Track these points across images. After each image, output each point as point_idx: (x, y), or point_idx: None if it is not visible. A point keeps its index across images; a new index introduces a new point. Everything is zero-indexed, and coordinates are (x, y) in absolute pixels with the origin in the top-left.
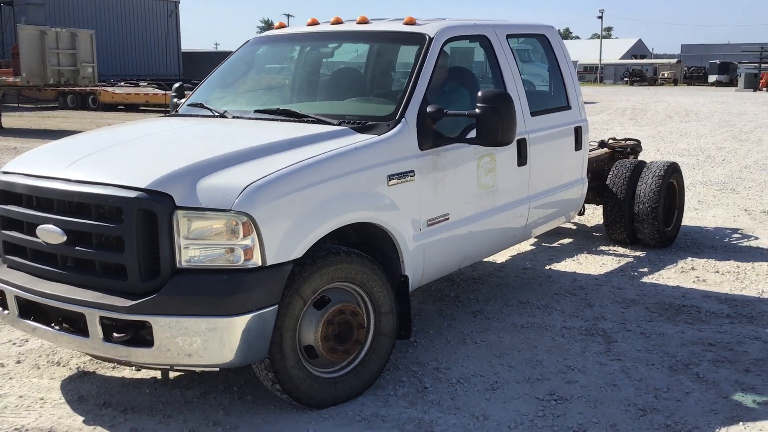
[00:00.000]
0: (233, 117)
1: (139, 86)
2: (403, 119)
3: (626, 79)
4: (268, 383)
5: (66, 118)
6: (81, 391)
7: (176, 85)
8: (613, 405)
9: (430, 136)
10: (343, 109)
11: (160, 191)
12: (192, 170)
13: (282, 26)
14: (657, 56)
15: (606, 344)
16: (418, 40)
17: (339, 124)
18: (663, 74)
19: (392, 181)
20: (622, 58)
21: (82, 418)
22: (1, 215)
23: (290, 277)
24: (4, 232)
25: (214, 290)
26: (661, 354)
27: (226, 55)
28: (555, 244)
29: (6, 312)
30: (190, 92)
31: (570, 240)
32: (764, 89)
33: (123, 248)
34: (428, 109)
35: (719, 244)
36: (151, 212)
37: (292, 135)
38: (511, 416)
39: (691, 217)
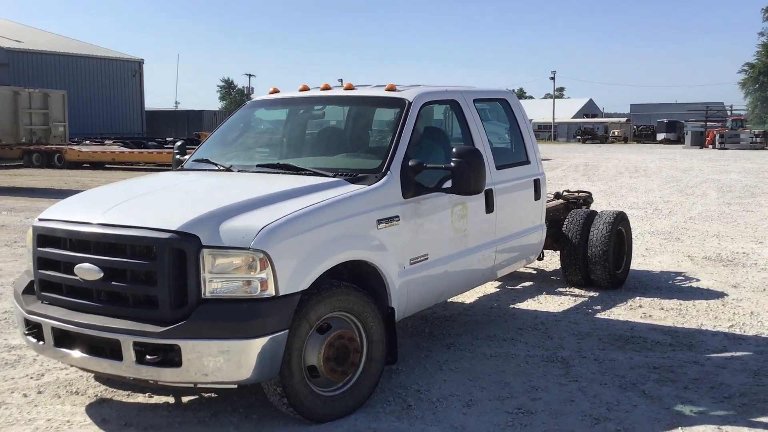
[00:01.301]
0: (238, 171)
1: (104, 144)
2: (389, 172)
3: (578, 137)
4: (276, 398)
5: (33, 176)
6: (103, 414)
7: (178, 143)
8: (572, 416)
9: (412, 186)
10: (335, 163)
11: (189, 233)
12: (215, 215)
13: (275, 91)
14: (607, 115)
15: (564, 369)
16: (399, 104)
17: (334, 176)
18: (613, 132)
19: (381, 225)
20: (574, 116)
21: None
22: (39, 257)
23: (298, 305)
24: (41, 271)
25: (235, 317)
26: (612, 376)
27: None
28: (518, 287)
29: (41, 343)
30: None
31: (531, 283)
32: (710, 146)
33: (155, 282)
34: (410, 163)
35: (664, 285)
36: (181, 251)
37: (295, 185)
38: (485, 426)
39: (639, 263)
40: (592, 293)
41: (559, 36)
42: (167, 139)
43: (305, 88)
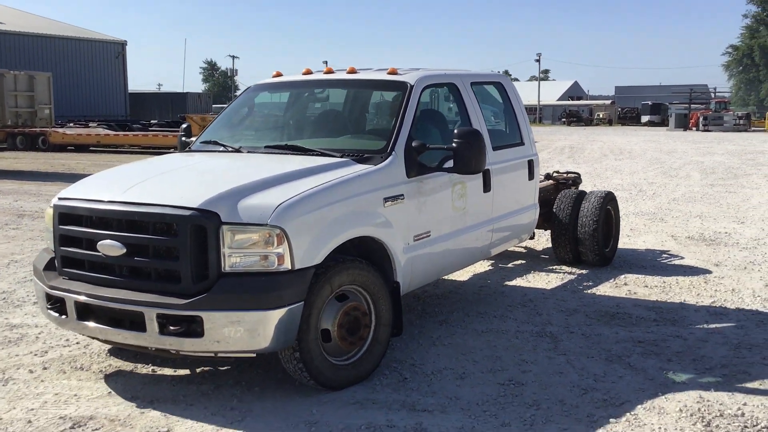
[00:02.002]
0: (248, 152)
1: (89, 127)
2: (393, 152)
3: (563, 119)
4: (292, 363)
5: (17, 159)
6: (109, 388)
7: (184, 125)
8: (561, 387)
9: (415, 166)
10: (340, 144)
11: (209, 210)
12: (233, 193)
13: (278, 75)
14: (592, 97)
15: (553, 343)
16: (401, 87)
17: (342, 156)
18: (598, 115)
19: (387, 203)
20: (560, 99)
21: (116, 408)
22: (60, 235)
23: (313, 278)
24: (63, 248)
25: (254, 289)
26: (599, 349)
27: (171, 96)
28: (509, 265)
29: (64, 317)
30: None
31: (522, 261)
32: (694, 129)
33: (177, 257)
34: (413, 144)
35: (649, 264)
36: (202, 227)
37: (306, 165)
38: (478, 397)
39: (624, 243)
40: (581, 271)
41: (545, 18)
42: (151, 121)
43: (308, 72)
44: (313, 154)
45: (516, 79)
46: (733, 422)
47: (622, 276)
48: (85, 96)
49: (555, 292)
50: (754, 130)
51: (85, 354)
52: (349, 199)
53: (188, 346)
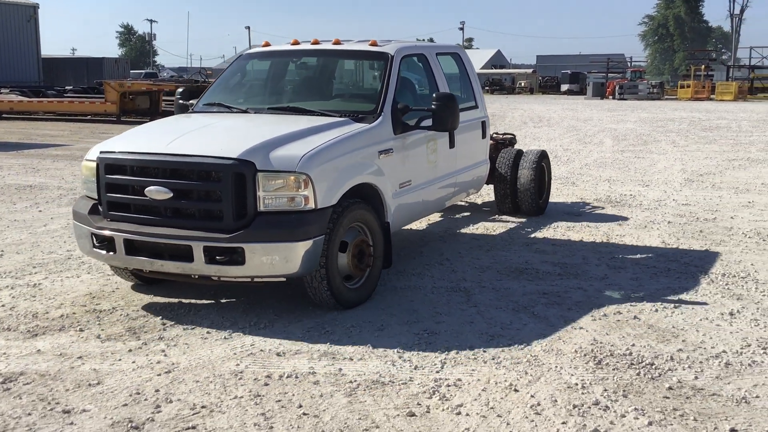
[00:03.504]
0: (254, 112)
1: (1, 93)
2: (382, 113)
3: (487, 87)
4: (318, 287)
5: None
6: (37, 346)
7: (180, 89)
8: (471, 335)
9: (400, 124)
10: (333, 106)
11: (247, 159)
12: (263, 146)
13: (267, 44)
14: (515, 66)
15: (466, 297)
16: (384, 57)
17: (341, 116)
18: (520, 83)
19: (381, 156)
20: (483, 67)
21: (46, 364)
22: (107, 183)
23: (331, 216)
24: (109, 195)
25: (286, 225)
26: (507, 301)
27: (87, 61)
28: (457, 216)
29: (112, 253)
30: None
31: (467, 213)
32: (610, 97)
33: (220, 199)
34: (399, 106)
35: (561, 221)
36: (241, 174)
37: (315, 123)
38: (396, 345)
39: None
40: (520, 220)
41: None
42: (66, 87)
43: (296, 42)
44: (315, 115)
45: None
46: (622, 360)
47: (534, 234)
48: None
49: (470, 251)
50: (667, 99)
51: (11, 315)
52: (354, 151)
53: (231, 272)
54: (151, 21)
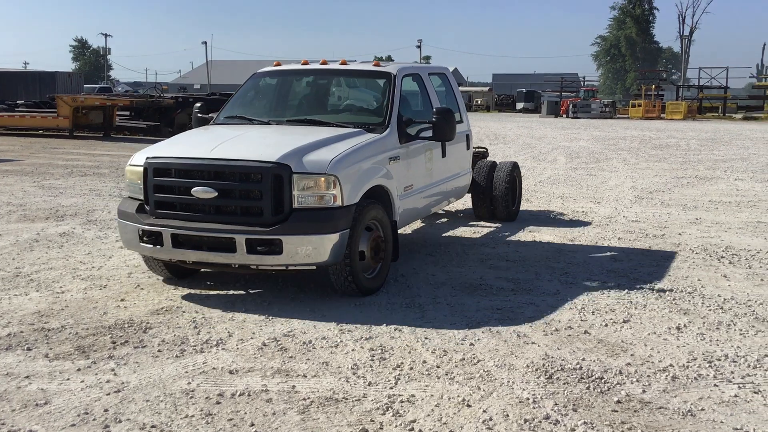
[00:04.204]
0: (276, 124)
1: None
2: (390, 125)
3: None
4: (342, 276)
5: None
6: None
7: (198, 104)
8: (425, 351)
9: (404, 135)
10: (344, 119)
11: (284, 163)
12: (296, 151)
13: (278, 64)
14: (471, 84)
15: (421, 312)
16: (387, 76)
17: (355, 127)
18: (477, 101)
19: (391, 162)
20: None
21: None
22: (155, 184)
23: (354, 213)
24: (157, 195)
25: (318, 219)
26: (462, 317)
27: (39, 75)
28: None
29: (159, 247)
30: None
31: (445, 219)
32: (564, 115)
33: (261, 197)
34: (403, 118)
35: (513, 239)
36: (279, 175)
37: (335, 133)
38: (350, 361)
39: (493, 222)
40: (493, 226)
41: (426, 5)
42: (18, 101)
43: (306, 63)
44: (332, 126)
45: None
46: (572, 374)
47: (489, 249)
48: None
49: (424, 267)
50: (618, 117)
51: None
52: (371, 157)
53: (270, 261)
54: (106, 35)
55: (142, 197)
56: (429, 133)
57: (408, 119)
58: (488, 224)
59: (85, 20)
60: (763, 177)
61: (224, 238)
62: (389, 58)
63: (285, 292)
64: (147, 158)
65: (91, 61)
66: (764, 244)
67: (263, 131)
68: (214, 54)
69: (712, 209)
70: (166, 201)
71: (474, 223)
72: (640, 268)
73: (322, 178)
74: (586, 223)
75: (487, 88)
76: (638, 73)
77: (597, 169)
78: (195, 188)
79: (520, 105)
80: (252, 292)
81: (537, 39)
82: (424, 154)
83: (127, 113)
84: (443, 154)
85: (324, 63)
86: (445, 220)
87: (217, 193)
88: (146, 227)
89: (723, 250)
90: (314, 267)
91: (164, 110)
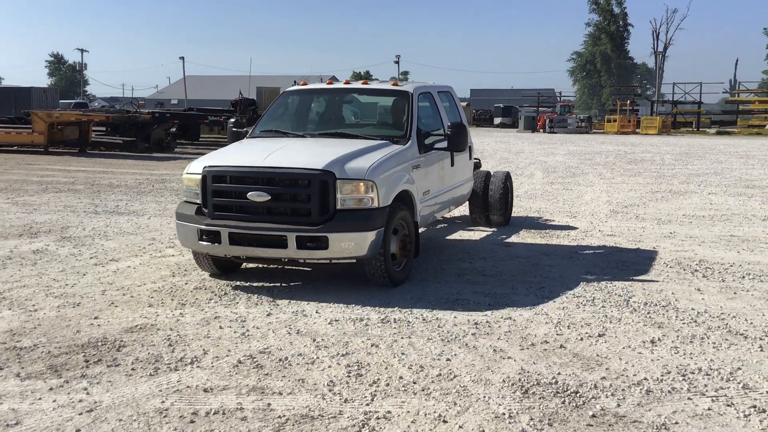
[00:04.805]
0: (310, 137)
1: None
2: (411, 137)
3: None
4: (377, 269)
5: None
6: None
7: (233, 120)
8: (401, 366)
9: (423, 146)
10: (369, 132)
11: (329, 170)
12: (338, 160)
13: (305, 83)
14: None
15: (398, 328)
16: (406, 94)
17: (382, 139)
18: None
19: (414, 169)
20: None
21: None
22: (213, 189)
23: (388, 214)
24: (215, 199)
25: (358, 219)
26: (439, 332)
27: (14, 90)
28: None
29: (217, 244)
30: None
31: (444, 225)
32: (541, 130)
33: (309, 200)
34: (422, 131)
35: (489, 254)
36: (325, 181)
37: (366, 144)
38: (326, 378)
39: (470, 235)
40: (492, 229)
41: (403, 21)
42: None
43: (331, 82)
44: (361, 138)
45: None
46: (548, 389)
47: (466, 264)
48: None
49: (402, 284)
50: (594, 132)
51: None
52: (399, 165)
53: (317, 255)
54: (82, 50)
55: (199, 201)
56: (441, 144)
57: (425, 132)
58: (485, 229)
59: (61, 35)
60: (736, 191)
61: (277, 235)
62: (367, 74)
63: (260, 309)
64: (205, 167)
65: (68, 76)
66: (737, 258)
67: (304, 143)
68: (192, 69)
69: (686, 223)
70: (223, 204)
71: (469, 227)
72: (615, 281)
73: (362, 183)
74: (563, 237)
75: (465, 104)
76: (613, 88)
77: (573, 184)
78: (250, 192)
79: (497, 120)
80: (226, 309)
81: (514, 55)
82: (437, 162)
83: (104, 129)
84: (452, 164)
85: (347, 83)
86: (444, 225)
87: (270, 197)
88: (205, 227)
89: (697, 264)
90: (354, 260)
91: (141, 125)
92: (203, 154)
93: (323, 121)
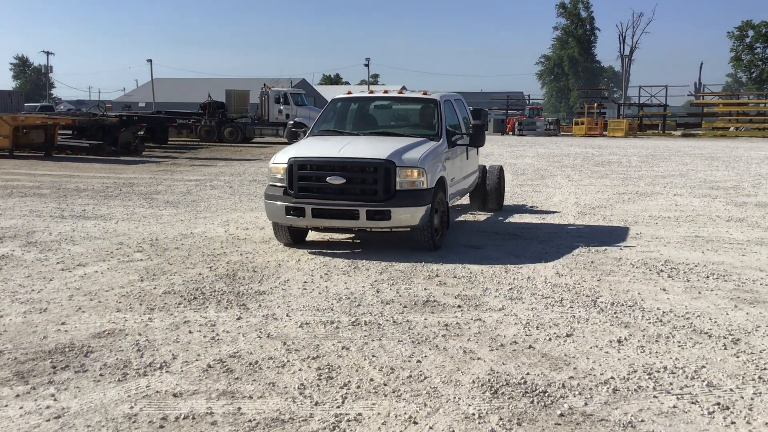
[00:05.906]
0: (363, 135)
1: None
2: (442, 135)
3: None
4: (424, 237)
5: None
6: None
7: (290, 122)
8: (372, 369)
9: (450, 142)
10: (407, 131)
11: (391, 159)
12: (396, 152)
13: (350, 93)
14: None
15: (368, 331)
16: (434, 102)
17: (421, 137)
18: None
19: (446, 160)
20: None
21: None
22: (299, 175)
23: (433, 193)
24: (300, 182)
25: (413, 197)
26: (409, 334)
27: None
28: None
29: (301, 218)
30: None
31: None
32: (510, 133)
33: (376, 182)
34: (450, 130)
35: (464, 252)
36: (389, 168)
37: (412, 141)
38: (297, 381)
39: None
40: (488, 214)
41: (372, 24)
42: None
43: (372, 92)
44: (405, 136)
45: (347, 83)
46: (517, 389)
47: (436, 266)
48: None
49: (375, 285)
50: (563, 135)
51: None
52: (437, 156)
53: (381, 225)
54: (48, 53)
55: (285, 185)
56: (462, 141)
57: (451, 131)
58: (483, 213)
59: (26, 38)
60: (700, 192)
61: (350, 209)
62: (337, 77)
63: (229, 313)
64: (290, 158)
65: (33, 79)
66: (702, 258)
67: (363, 139)
68: (159, 71)
69: (652, 224)
70: (306, 186)
71: (470, 211)
72: (582, 282)
73: (416, 170)
74: (532, 239)
75: None
76: (581, 91)
77: (542, 186)
78: (329, 177)
79: None
80: (196, 313)
81: (483, 58)
82: (460, 156)
83: (70, 132)
84: (467, 157)
85: (386, 92)
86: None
87: (344, 180)
88: (292, 204)
89: (662, 264)
90: (408, 229)
91: (108, 129)
92: (172, 157)
93: (370, 123)
